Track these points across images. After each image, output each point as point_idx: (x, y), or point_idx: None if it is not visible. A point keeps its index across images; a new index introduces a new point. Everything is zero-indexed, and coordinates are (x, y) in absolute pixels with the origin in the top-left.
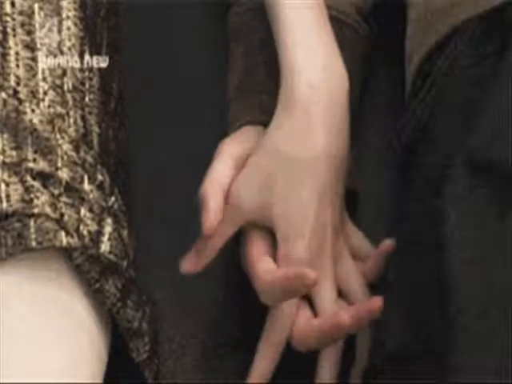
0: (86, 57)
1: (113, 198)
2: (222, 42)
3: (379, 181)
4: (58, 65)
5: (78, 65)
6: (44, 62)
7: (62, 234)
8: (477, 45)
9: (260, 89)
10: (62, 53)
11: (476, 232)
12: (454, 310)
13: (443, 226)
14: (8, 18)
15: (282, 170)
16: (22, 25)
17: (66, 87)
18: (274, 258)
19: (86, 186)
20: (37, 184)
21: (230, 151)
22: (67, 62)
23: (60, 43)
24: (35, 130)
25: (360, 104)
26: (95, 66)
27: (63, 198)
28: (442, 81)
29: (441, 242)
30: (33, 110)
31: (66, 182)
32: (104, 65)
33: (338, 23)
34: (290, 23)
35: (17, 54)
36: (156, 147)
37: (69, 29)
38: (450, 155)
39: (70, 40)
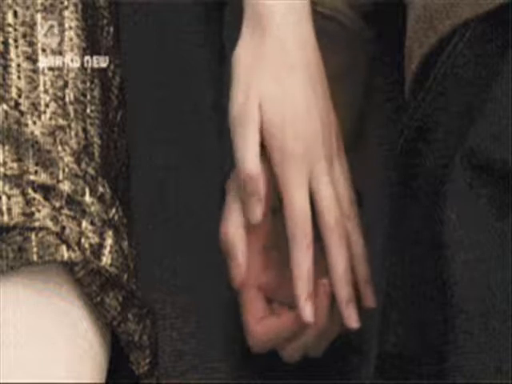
0: (88, 64)
1: (113, 210)
2: (222, 43)
3: (379, 181)
4: (59, 70)
5: (78, 64)
6: (44, 64)
7: (64, 248)
8: (477, 45)
9: None
10: (64, 64)
11: (476, 232)
12: (454, 309)
13: (443, 226)
14: (10, 29)
15: (261, 82)
16: (24, 35)
17: (67, 99)
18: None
19: (88, 199)
20: (38, 196)
21: (237, 189)
22: (67, 69)
23: (62, 53)
24: (36, 142)
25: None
26: (95, 66)
27: (64, 211)
28: (442, 81)
29: (441, 242)
30: (34, 122)
31: (68, 195)
32: (104, 65)
33: (329, 20)
34: None
35: (18, 65)
36: (156, 148)
37: (71, 39)
38: (450, 155)
39: (72, 50)
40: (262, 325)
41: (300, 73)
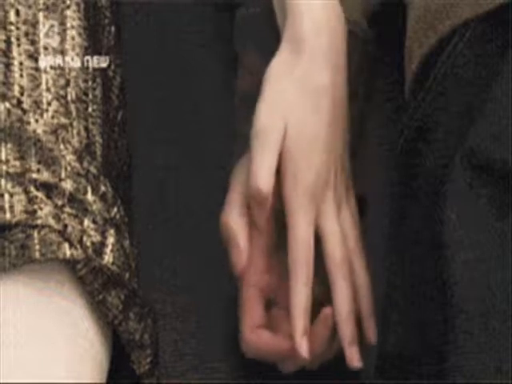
0: (89, 63)
1: (115, 209)
2: (224, 43)
3: (379, 181)
4: (60, 68)
5: (78, 64)
6: (44, 64)
7: (66, 245)
8: (477, 45)
9: None
10: (65, 63)
11: (476, 232)
12: (454, 310)
13: (443, 226)
14: (12, 27)
15: (290, 105)
16: (26, 34)
17: (69, 98)
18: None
19: (90, 197)
20: (40, 194)
21: (242, 177)
22: (69, 68)
23: (63, 52)
24: (39, 140)
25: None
26: (96, 66)
27: (67, 209)
28: (442, 81)
29: (441, 242)
30: (37, 121)
31: (70, 193)
32: (104, 65)
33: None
34: None
35: (20, 63)
36: (156, 148)
37: (73, 38)
38: (450, 155)
39: (73, 49)
40: (257, 334)
41: (326, 102)
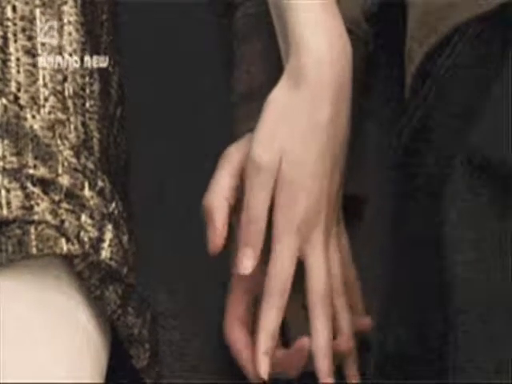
0: (87, 60)
1: (113, 205)
2: (223, 42)
3: (379, 181)
4: (59, 67)
5: (78, 65)
6: (44, 64)
7: (63, 241)
8: (477, 45)
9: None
10: (62, 57)
11: (476, 232)
12: (454, 310)
13: (443, 226)
14: (9, 23)
15: (287, 138)
16: (23, 30)
17: (66, 93)
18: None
19: (87, 193)
20: (37, 190)
21: (232, 161)
22: (67, 64)
23: (61, 48)
24: (36, 136)
25: (360, 104)
26: (95, 66)
27: (64, 205)
28: (442, 81)
29: (441, 242)
30: (33, 116)
31: (67, 189)
32: (104, 65)
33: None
34: (295, 2)
35: (17, 59)
36: (156, 147)
37: (70, 34)
38: (450, 155)
39: (71, 45)
40: (235, 327)
41: (324, 139)
